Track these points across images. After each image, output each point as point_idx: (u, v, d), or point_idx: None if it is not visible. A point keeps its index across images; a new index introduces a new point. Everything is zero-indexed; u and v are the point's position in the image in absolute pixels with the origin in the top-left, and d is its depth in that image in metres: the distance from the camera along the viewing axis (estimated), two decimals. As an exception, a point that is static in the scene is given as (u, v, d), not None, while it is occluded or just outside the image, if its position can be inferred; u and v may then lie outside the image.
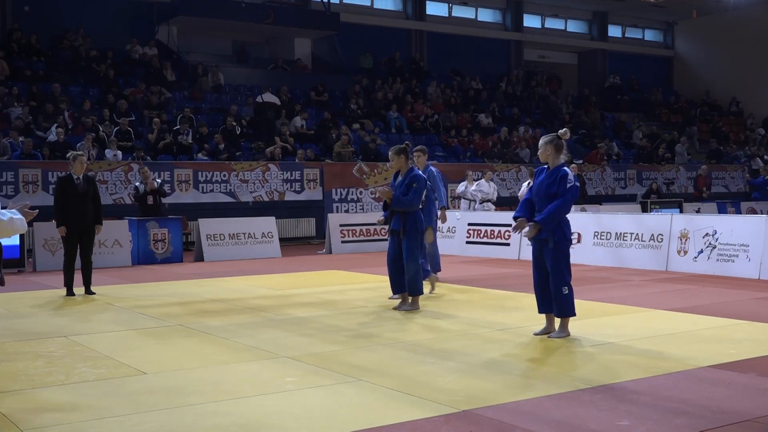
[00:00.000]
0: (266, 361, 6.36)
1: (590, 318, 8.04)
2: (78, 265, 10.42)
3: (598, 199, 22.07)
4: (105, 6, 23.46)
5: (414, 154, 9.87)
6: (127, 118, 19.31)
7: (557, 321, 7.19)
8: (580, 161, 24.30)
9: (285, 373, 5.93)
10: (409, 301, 8.86)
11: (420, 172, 8.88)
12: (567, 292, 7.02)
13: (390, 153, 8.88)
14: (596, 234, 13.61)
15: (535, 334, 7.22)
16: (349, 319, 8.36)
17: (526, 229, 7.12)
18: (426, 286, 9.62)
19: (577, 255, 12.82)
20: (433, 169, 10.75)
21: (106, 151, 17.82)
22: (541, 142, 7.16)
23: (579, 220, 13.86)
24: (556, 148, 7.04)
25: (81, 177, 10.39)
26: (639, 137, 28.81)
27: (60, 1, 22.90)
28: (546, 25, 33.83)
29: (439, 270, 10.98)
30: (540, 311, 7.25)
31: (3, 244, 5.21)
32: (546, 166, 7.15)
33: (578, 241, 13.57)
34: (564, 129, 7.26)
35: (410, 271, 8.72)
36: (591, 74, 34.60)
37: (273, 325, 8.06)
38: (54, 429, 4.65)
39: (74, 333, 7.69)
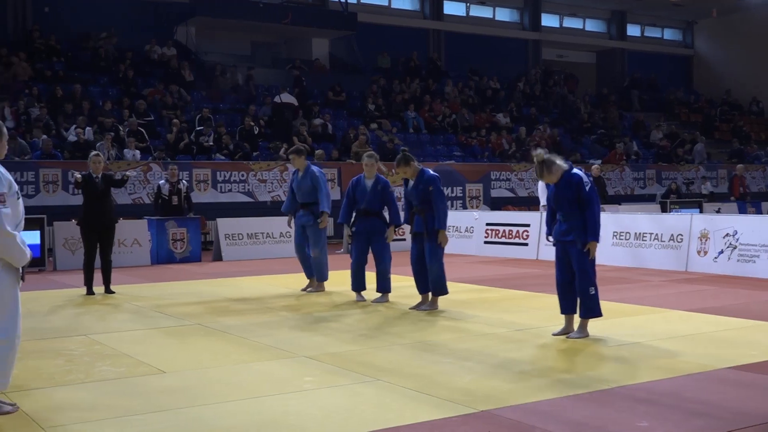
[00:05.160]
0: (284, 360, 6.38)
1: (609, 319, 8.00)
2: (97, 264, 10.49)
3: (617, 200, 21.96)
4: (124, 6, 23.60)
5: (290, 156, 10.57)
6: (145, 119, 19.42)
7: (576, 322, 7.17)
8: (599, 161, 24.18)
9: (303, 372, 5.94)
10: (429, 300, 8.87)
11: (432, 173, 8.85)
12: (594, 292, 7.04)
13: (398, 163, 8.72)
14: (615, 234, 13.54)
15: (554, 335, 7.20)
16: (366, 319, 8.36)
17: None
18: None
19: (596, 255, 12.77)
20: (315, 169, 10.56)
21: (125, 150, 17.92)
22: (536, 173, 7.16)
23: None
24: (548, 167, 7.00)
25: (100, 176, 10.48)
26: (658, 137, 28.64)
27: (79, 1, 23.06)
28: (564, 25, 33.72)
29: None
30: (563, 312, 7.23)
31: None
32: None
33: (597, 241, 13.47)
34: (538, 150, 7.19)
35: (434, 271, 8.73)
36: (609, 73, 34.45)
37: (291, 324, 8.07)
38: (74, 427, 4.69)
39: (94, 332, 7.74)
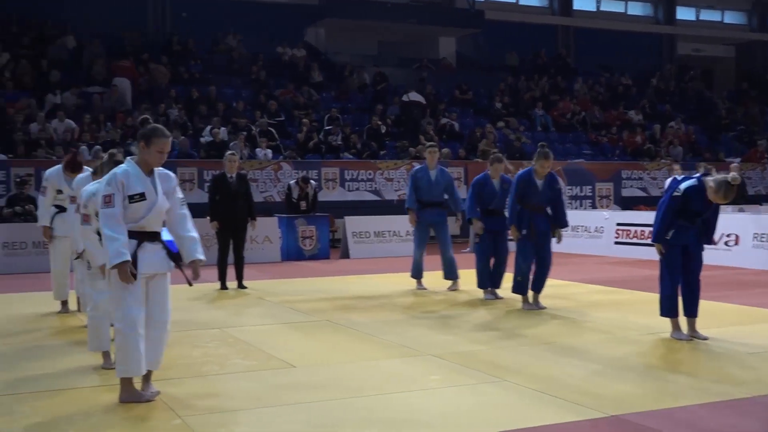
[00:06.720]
0: (410, 358, 6.40)
1: (748, 324, 7.66)
2: (231, 260, 10.85)
3: (758, 199, 20.92)
4: (256, 10, 24.29)
5: (429, 151, 10.61)
6: (276, 119, 19.93)
7: (684, 322, 7.04)
8: (738, 160, 23.12)
9: (429, 370, 5.95)
10: (535, 296, 8.90)
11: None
12: None
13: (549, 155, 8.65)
14: (756, 236, 12.89)
15: (680, 339, 6.95)
16: (492, 318, 8.30)
17: None
18: None
19: (735, 258, 12.31)
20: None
21: (257, 150, 18.45)
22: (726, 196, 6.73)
23: (738, 221, 13.21)
24: None
25: (234, 175, 10.82)
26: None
27: (214, 6, 23.89)
28: (701, 17, 32.40)
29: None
30: (677, 315, 7.02)
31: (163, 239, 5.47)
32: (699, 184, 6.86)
33: (736, 243, 12.92)
34: (734, 174, 6.98)
35: (549, 268, 8.85)
36: (750, 68, 32.85)
37: (417, 322, 8.10)
38: (208, 416, 4.86)
39: (228, 325, 8.00)
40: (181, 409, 4.99)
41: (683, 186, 6.84)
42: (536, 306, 8.75)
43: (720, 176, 6.71)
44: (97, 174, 6.47)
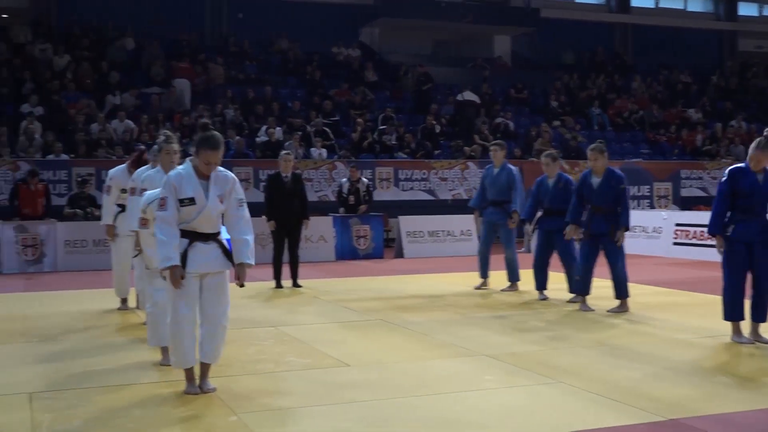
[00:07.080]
0: (465, 358, 6.39)
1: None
2: (285, 258, 10.94)
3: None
4: (311, 11, 24.45)
5: (491, 149, 10.49)
6: (330, 119, 20.02)
7: (747, 326, 6.85)
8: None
9: (483, 371, 5.93)
10: (618, 303, 8.62)
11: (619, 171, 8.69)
12: None
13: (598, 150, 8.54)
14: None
15: (740, 342, 6.80)
16: (548, 319, 8.23)
17: None
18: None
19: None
20: (512, 168, 10.51)
21: (311, 150, 18.57)
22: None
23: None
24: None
25: (289, 175, 10.91)
26: None
27: (270, 7, 24.11)
28: (763, 13, 31.62)
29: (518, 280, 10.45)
30: (740, 318, 6.84)
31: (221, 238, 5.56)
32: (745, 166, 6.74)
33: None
34: None
35: (623, 272, 8.57)
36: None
37: (472, 322, 8.07)
38: (263, 414, 4.91)
39: (283, 324, 8.06)
40: (237, 405, 5.05)
41: (727, 169, 6.80)
42: (618, 309, 8.51)
43: None
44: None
